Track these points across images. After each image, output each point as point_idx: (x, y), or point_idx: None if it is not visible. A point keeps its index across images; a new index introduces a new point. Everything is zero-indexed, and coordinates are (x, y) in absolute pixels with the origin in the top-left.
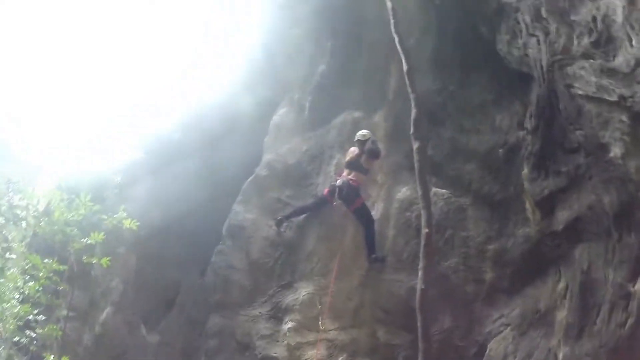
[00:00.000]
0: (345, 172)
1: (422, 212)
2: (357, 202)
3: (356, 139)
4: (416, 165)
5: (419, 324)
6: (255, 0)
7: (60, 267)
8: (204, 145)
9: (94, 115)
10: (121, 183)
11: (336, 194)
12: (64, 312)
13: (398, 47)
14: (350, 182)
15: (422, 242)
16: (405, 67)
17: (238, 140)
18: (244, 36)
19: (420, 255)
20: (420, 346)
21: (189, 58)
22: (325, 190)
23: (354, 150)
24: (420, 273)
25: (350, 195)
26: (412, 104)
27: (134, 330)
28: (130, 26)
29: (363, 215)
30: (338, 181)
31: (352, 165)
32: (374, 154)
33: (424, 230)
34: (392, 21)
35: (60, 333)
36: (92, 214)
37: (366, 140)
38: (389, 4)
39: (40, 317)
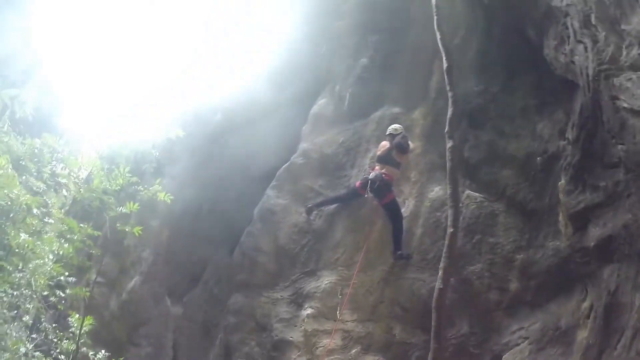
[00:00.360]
0: (378, 166)
1: (449, 211)
2: (388, 197)
3: (387, 132)
4: (448, 164)
5: (433, 322)
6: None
7: (95, 232)
8: (243, 128)
9: (138, 89)
10: (159, 159)
11: (368, 186)
12: (94, 277)
13: (440, 44)
14: (384, 176)
15: (446, 242)
16: (445, 65)
17: (276, 126)
18: (289, 25)
19: (443, 254)
20: (432, 345)
21: (233, 41)
22: (358, 183)
23: (385, 144)
24: (440, 272)
25: (382, 189)
26: (450, 102)
27: (159, 300)
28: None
29: (393, 211)
30: (371, 174)
31: (384, 159)
32: (402, 148)
33: (449, 230)
34: (435, 18)
35: (87, 294)
36: (129, 185)
37: (397, 134)
38: (433, 1)
39: (72, 279)
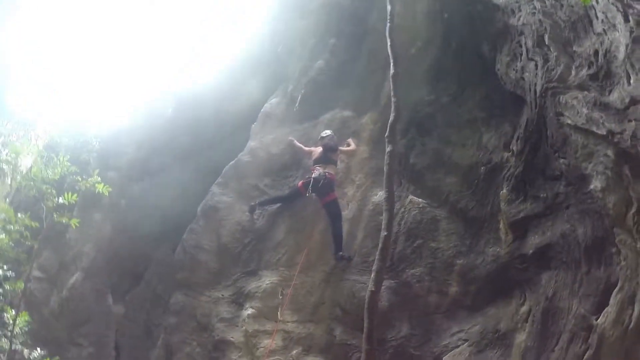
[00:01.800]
0: (319, 167)
1: (384, 214)
2: (330, 196)
3: (319, 137)
4: (385, 167)
5: (365, 324)
6: None
7: (33, 223)
8: (193, 124)
9: (89, 77)
10: (105, 150)
11: (311, 185)
12: (35, 273)
13: (389, 50)
14: (327, 174)
15: (380, 245)
16: (392, 71)
17: (229, 124)
18: (254, 20)
19: (376, 257)
20: (363, 347)
21: (191, 33)
22: (300, 183)
23: (317, 149)
24: (372, 275)
25: (325, 187)
26: (392, 108)
27: (100, 298)
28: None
29: (333, 211)
30: (314, 173)
31: (322, 159)
32: (330, 147)
33: (383, 233)
34: (388, 25)
35: (22, 286)
36: (68, 175)
37: (326, 137)
38: (388, 8)
39: (10, 273)
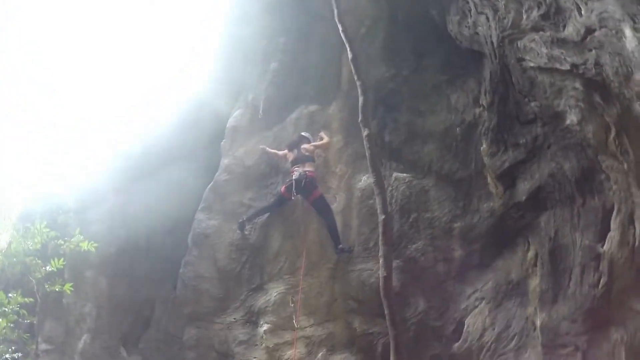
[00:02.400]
0: (297, 167)
1: (377, 198)
2: (315, 194)
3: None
4: (367, 152)
5: (386, 311)
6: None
7: (27, 299)
8: (166, 159)
9: (48, 138)
10: (83, 204)
11: (294, 188)
12: (43, 346)
13: (342, 36)
14: (308, 173)
15: (380, 229)
16: (350, 55)
17: (200, 148)
18: (200, 44)
19: (380, 242)
20: (391, 334)
21: (147, 75)
22: (283, 188)
23: (291, 153)
24: (381, 260)
25: (308, 186)
26: (359, 91)
27: (114, 354)
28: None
29: (322, 207)
30: (294, 175)
31: (299, 159)
32: (296, 143)
33: (381, 217)
34: (335, 10)
35: None
36: (49, 241)
37: (300, 140)
38: None
39: (17, 355)
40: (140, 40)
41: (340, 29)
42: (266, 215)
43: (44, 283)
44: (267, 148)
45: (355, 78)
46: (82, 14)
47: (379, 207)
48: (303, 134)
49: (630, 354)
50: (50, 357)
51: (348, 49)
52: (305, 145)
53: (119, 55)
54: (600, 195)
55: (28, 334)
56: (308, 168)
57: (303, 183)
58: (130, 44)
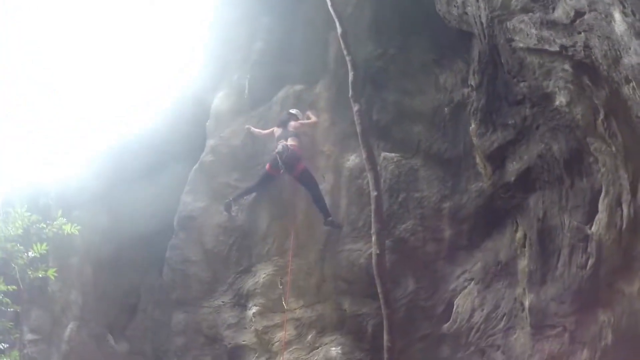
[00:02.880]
0: (281, 142)
1: (369, 174)
2: (300, 167)
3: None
4: (358, 127)
5: (379, 290)
6: None
7: (10, 287)
8: (149, 140)
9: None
10: (64, 189)
11: (278, 160)
12: (29, 336)
13: (331, 10)
14: (290, 146)
15: (372, 206)
16: (339, 31)
17: (185, 130)
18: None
19: (372, 219)
20: (384, 312)
21: (134, 53)
22: (267, 165)
23: (277, 128)
24: (374, 238)
25: (291, 159)
26: (349, 67)
27: (101, 342)
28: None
29: (307, 180)
30: (277, 148)
31: (283, 135)
32: (285, 120)
33: (373, 193)
34: None
35: (17, 355)
36: (31, 225)
37: (291, 115)
38: None
39: (3, 345)
40: (122, 22)
41: (329, 4)
42: (253, 194)
43: (27, 269)
44: (252, 128)
45: (345, 53)
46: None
47: (371, 183)
48: (292, 111)
49: (616, 336)
50: (37, 347)
51: (337, 25)
52: (292, 122)
53: (102, 39)
54: (588, 177)
55: (12, 323)
56: (291, 142)
57: (285, 155)
58: (112, 28)
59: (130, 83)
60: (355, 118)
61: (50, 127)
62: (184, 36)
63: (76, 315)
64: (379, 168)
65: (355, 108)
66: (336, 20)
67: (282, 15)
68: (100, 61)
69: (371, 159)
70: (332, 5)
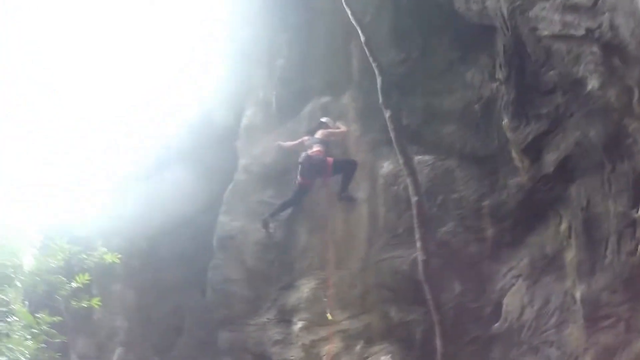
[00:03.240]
0: (304, 152)
1: (408, 180)
2: (329, 163)
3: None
4: (392, 134)
5: (428, 296)
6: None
7: (55, 318)
8: (178, 163)
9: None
10: (102, 218)
11: (301, 172)
12: None
13: (351, 18)
14: (310, 153)
15: (415, 211)
16: (362, 39)
17: (214, 149)
18: (205, 50)
19: (415, 225)
20: (435, 318)
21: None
22: (299, 178)
23: (307, 137)
24: (418, 244)
25: (316, 163)
26: (376, 73)
27: None
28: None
29: (343, 165)
30: (299, 158)
31: (310, 142)
32: (319, 126)
33: (414, 199)
34: None
35: None
36: (72, 255)
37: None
38: None
39: None
40: (140, 48)
41: (349, 13)
42: (290, 209)
43: (71, 300)
44: (281, 142)
45: (371, 60)
46: (92, 18)
47: (411, 189)
48: (322, 119)
49: None
50: None
51: (360, 32)
52: (320, 131)
53: (124, 64)
54: (630, 160)
55: (60, 354)
56: (315, 149)
57: (307, 164)
58: (132, 53)
59: (160, 107)
60: (389, 124)
61: (83, 157)
62: (203, 54)
63: (122, 340)
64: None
65: (387, 114)
66: (358, 27)
67: (301, 30)
68: (125, 85)
69: (409, 164)
70: (352, 13)
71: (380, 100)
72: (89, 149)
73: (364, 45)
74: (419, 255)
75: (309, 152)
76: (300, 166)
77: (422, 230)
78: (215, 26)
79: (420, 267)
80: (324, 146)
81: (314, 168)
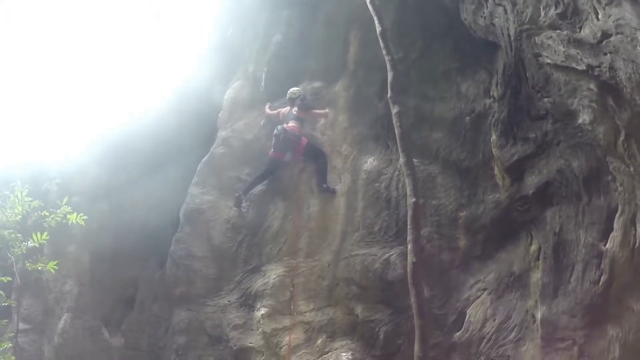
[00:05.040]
0: (279, 126)
1: (407, 180)
2: (302, 143)
3: (287, 97)
4: (397, 130)
5: (413, 299)
6: None
7: (5, 278)
8: (155, 129)
9: (35, 103)
10: (65, 173)
11: (274, 145)
12: (20, 326)
13: (370, 7)
14: (286, 127)
15: (410, 213)
16: (379, 29)
17: (190, 118)
18: (194, 9)
19: (409, 226)
20: (417, 322)
21: (137, 35)
22: (270, 151)
23: (285, 109)
24: (410, 246)
25: (290, 138)
26: (388, 67)
27: (95, 335)
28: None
29: (313, 152)
30: (275, 130)
31: (288, 117)
32: (304, 106)
33: (411, 200)
34: None
35: (10, 344)
36: (32, 212)
37: (296, 98)
38: None
39: None
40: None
41: (367, 0)
42: (261, 186)
43: (25, 260)
44: (268, 109)
45: (384, 53)
46: None
47: (408, 189)
48: (296, 90)
49: (624, 351)
50: (27, 337)
51: (376, 22)
52: (296, 107)
53: (111, 26)
54: (605, 195)
55: (6, 321)
56: (291, 124)
57: (282, 137)
58: (119, 11)
59: (136, 68)
60: (394, 121)
61: (55, 108)
62: (194, 19)
63: (71, 306)
64: (397, 173)
65: (395, 110)
66: (375, 18)
67: (303, 9)
68: (107, 46)
69: (410, 164)
70: (371, 2)
71: (389, 94)
72: (63, 96)
73: (379, 35)
74: (409, 257)
75: (285, 125)
76: (274, 138)
77: (415, 233)
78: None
79: (409, 269)
80: (300, 123)
81: (286, 142)
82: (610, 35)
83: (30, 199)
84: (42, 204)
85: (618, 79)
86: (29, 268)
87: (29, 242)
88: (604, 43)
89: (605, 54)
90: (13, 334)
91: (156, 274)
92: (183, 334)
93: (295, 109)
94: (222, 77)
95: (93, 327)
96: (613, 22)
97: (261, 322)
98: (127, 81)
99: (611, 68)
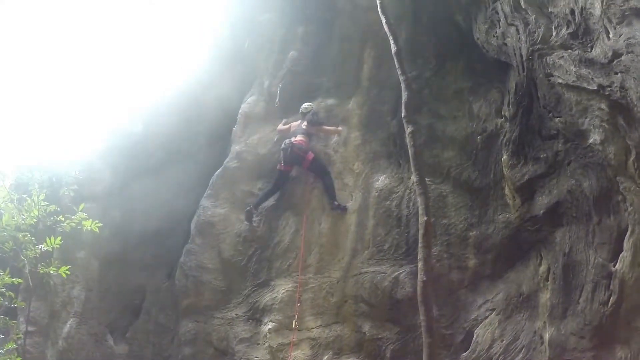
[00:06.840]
0: (287, 140)
1: (419, 199)
2: (308, 157)
3: (300, 111)
4: (410, 150)
5: (422, 317)
6: None
7: (16, 280)
8: (168, 138)
9: (49, 102)
10: (79, 179)
11: (282, 159)
12: (23, 327)
13: (386, 27)
14: (293, 141)
15: (421, 231)
16: (394, 49)
17: (205, 131)
18: (212, 22)
19: (419, 245)
20: (425, 341)
21: (152, 44)
22: (279, 164)
23: (296, 123)
24: (420, 264)
25: (297, 152)
26: (403, 86)
27: (100, 341)
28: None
29: (318, 169)
30: (282, 144)
31: (294, 133)
32: (314, 121)
33: (423, 218)
34: (379, 2)
35: (13, 345)
36: (47, 216)
37: (307, 113)
38: None
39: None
40: (150, 16)
41: (383, 20)
42: (273, 199)
43: (37, 264)
44: (282, 125)
45: (399, 72)
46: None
47: (420, 208)
48: (308, 105)
49: None
50: (32, 339)
51: (391, 42)
52: (306, 121)
53: (128, 30)
54: (616, 216)
55: (14, 321)
56: (298, 138)
57: (290, 150)
58: (140, 20)
59: (153, 77)
60: (408, 140)
61: (76, 112)
62: (213, 31)
63: (77, 311)
64: (408, 191)
65: (409, 129)
66: (390, 38)
67: (319, 27)
68: (125, 54)
69: (422, 183)
70: (386, 21)
71: (403, 114)
72: (78, 102)
73: (394, 55)
74: (419, 276)
75: (293, 139)
76: (282, 152)
77: (426, 251)
78: (230, 7)
79: (418, 287)
80: (307, 137)
81: (293, 156)
82: (621, 54)
83: (46, 203)
84: (59, 210)
85: (629, 98)
86: (41, 271)
87: (42, 246)
88: (614, 62)
89: (616, 73)
90: (20, 335)
91: (164, 284)
92: (189, 345)
93: (305, 123)
94: (237, 89)
95: (98, 333)
96: (624, 41)
97: (268, 336)
98: (144, 90)
99: (622, 87)
